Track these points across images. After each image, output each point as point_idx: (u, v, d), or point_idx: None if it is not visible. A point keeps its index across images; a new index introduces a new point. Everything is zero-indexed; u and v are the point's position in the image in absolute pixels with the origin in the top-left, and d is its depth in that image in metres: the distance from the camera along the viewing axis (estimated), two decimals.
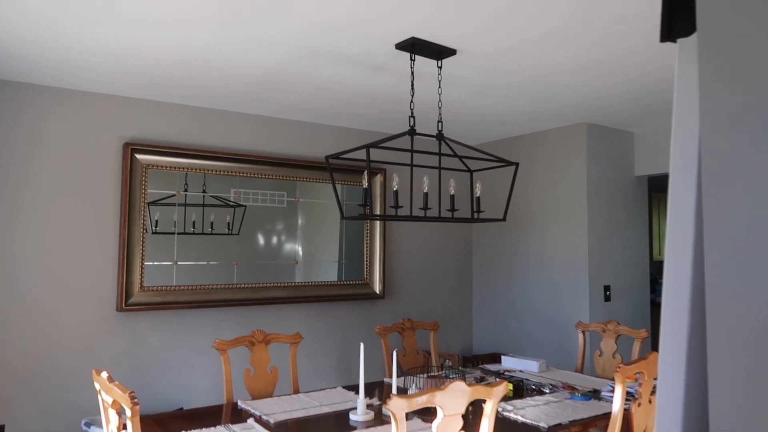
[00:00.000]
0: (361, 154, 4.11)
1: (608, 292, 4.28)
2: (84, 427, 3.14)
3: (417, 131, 2.66)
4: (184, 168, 3.65)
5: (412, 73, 2.74)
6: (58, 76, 3.13)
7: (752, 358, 0.59)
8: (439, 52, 2.66)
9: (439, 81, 2.84)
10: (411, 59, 2.69)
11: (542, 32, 2.47)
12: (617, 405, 2.22)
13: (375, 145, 2.47)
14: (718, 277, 0.62)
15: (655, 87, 3.29)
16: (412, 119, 2.70)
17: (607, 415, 2.41)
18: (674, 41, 0.73)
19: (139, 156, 3.50)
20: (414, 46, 2.58)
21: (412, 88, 2.75)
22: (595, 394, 2.79)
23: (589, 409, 2.53)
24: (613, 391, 2.63)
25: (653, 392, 2.30)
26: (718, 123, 0.61)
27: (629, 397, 2.46)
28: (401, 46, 2.59)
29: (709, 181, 0.62)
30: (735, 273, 0.61)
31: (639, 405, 2.24)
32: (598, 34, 2.49)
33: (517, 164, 2.83)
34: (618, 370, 2.21)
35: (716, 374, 0.61)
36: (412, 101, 2.76)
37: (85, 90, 3.38)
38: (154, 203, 3.56)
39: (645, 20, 2.35)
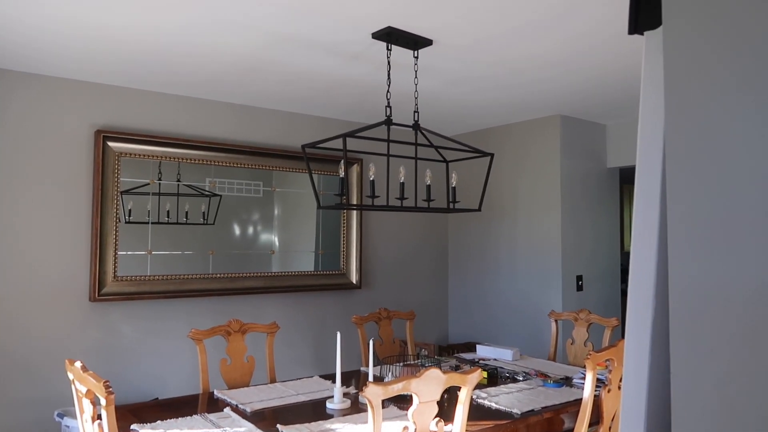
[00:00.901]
0: (338, 144, 4.10)
1: (580, 282, 4.36)
2: (57, 418, 3.11)
3: (393, 121, 2.67)
4: (157, 156, 3.61)
5: (389, 62, 2.75)
6: (22, 60, 3.06)
7: (711, 338, 0.62)
8: (415, 42, 2.67)
9: (416, 71, 2.85)
10: (387, 49, 2.69)
11: (519, 24, 2.49)
12: (588, 391, 2.27)
13: (351, 134, 2.48)
14: (680, 263, 0.65)
15: (629, 81, 3.35)
16: (388, 109, 2.71)
17: (578, 402, 2.47)
18: (641, 34, 0.75)
19: (111, 144, 3.45)
20: (390, 36, 2.58)
21: (389, 78, 2.75)
22: (567, 381, 2.85)
23: (561, 396, 2.59)
24: (584, 378, 2.69)
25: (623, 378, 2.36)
26: (682, 112, 0.64)
27: (599, 383, 2.52)
28: (377, 35, 2.59)
29: (672, 170, 0.65)
30: (696, 259, 0.64)
31: (609, 391, 2.30)
32: (574, 28, 2.53)
33: (492, 155, 2.85)
34: (589, 357, 2.26)
35: (678, 354, 0.64)
36: (388, 91, 2.77)
37: (52, 75, 3.31)
38: (127, 192, 3.51)
39: (621, 15, 2.38)
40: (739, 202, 0.60)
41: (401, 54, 2.85)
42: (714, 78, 0.61)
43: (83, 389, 1.91)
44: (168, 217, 3.66)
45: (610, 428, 2.33)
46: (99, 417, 1.85)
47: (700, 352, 0.63)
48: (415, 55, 2.79)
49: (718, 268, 0.62)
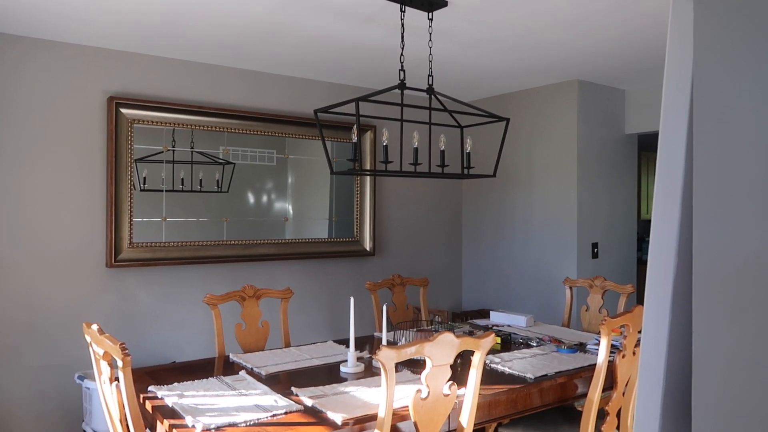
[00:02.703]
0: (351, 108, 4.06)
1: (596, 250, 4.32)
2: (78, 381, 3.17)
3: (407, 85, 2.62)
4: (170, 123, 3.60)
5: (402, 25, 2.69)
6: (34, 26, 3.04)
7: (735, 298, 0.60)
8: (430, 3, 2.60)
9: (430, 34, 2.79)
10: (401, 10, 2.63)
11: None
12: (602, 356, 2.27)
13: (365, 98, 2.44)
14: (705, 220, 0.62)
15: (648, 43, 3.25)
16: (402, 73, 2.66)
17: (592, 367, 2.46)
18: None
19: (124, 110, 3.44)
20: None
21: (402, 41, 2.70)
22: (580, 347, 2.84)
23: (574, 361, 2.59)
24: (598, 344, 2.68)
25: (637, 344, 2.35)
26: (711, 61, 0.60)
27: (614, 349, 2.51)
28: None
29: (700, 122, 0.62)
30: (722, 216, 0.61)
31: (623, 356, 2.29)
32: None
33: (508, 120, 2.80)
34: (604, 322, 2.25)
35: (701, 314, 0.62)
36: (402, 55, 2.71)
37: (64, 41, 3.29)
38: (141, 160, 3.51)
39: None
40: None
41: (415, 16, 2.78)
42: (748, 22, 0.57)
43: (100, 351, 1.93)
44: (182, 185, 3.66)
45: (623, 393, 2.33)
46: (116, 379, 1.87)
47: (724, 312, 0.61)
48: (430, 17, 2.72)
49: (744, 226, 0.60)
